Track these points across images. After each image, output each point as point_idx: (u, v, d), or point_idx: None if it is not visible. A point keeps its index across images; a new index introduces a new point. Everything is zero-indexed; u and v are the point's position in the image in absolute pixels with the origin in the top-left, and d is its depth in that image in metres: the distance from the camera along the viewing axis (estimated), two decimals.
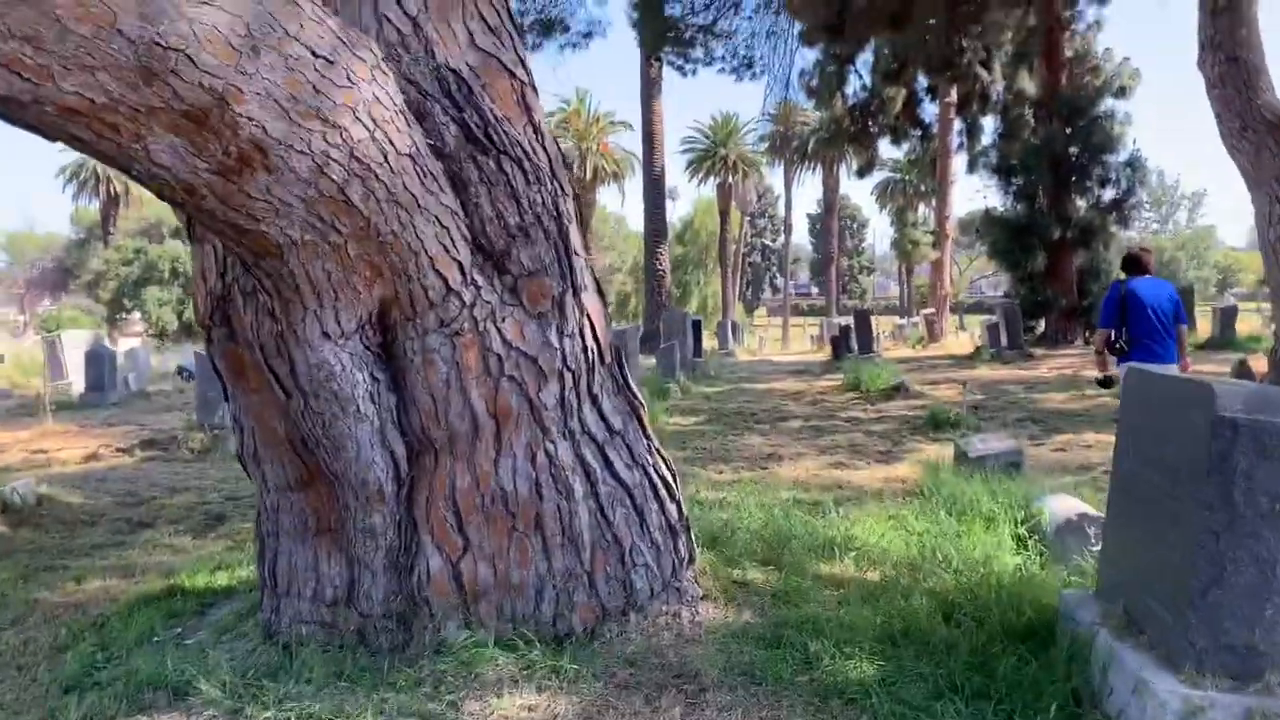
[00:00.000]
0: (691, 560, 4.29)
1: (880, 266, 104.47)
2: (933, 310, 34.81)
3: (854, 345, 22.72)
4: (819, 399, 14.59)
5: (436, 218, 3.43)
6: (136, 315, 52.56)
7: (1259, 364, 12.25)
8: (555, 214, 3.80)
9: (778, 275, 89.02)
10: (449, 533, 3.79)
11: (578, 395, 3.89)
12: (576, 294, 3.88)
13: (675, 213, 65.64)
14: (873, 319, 25.31)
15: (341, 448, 3.66)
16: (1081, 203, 25.66)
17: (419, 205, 3.34)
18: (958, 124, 31.27)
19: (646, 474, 4.08)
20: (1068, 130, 25.09)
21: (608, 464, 3.95)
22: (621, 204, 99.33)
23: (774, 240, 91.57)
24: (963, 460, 6.99)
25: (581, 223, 3.91)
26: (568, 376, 3.83)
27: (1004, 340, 22.40)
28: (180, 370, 23.29)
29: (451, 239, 3.51)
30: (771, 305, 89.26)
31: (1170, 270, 69.29)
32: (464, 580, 3.81)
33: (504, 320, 3.69)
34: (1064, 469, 8.01)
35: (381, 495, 3.77)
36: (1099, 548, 4.86)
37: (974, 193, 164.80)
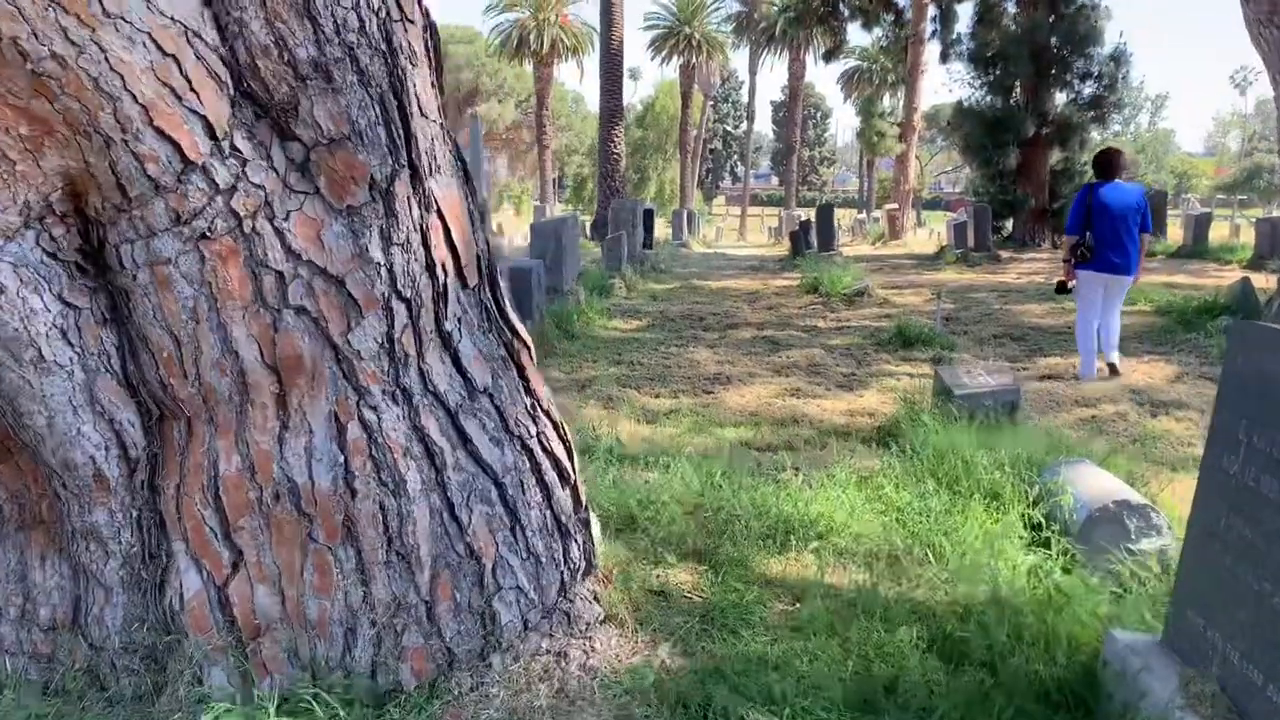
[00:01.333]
0: (589, 569, 3.01)
1: (841, 158, 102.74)
2: (895, 206, 33.49)
3: (813, 241, 21.39)
4: (775, 302, 13.31)
5: (151, 37, 2.00)
6: None
7: (1263, 281, 11.14)
8: (383, 48, 2.37)
9: (738, 163, 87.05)
10: (209, 541, 2.47)
11: (417, 337, 2.53)
12: (418, 179, 2.48)
13: (636, 94, 63.14)
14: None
15: (24, 412, 2.29)
16: (1061, 97, 24.25)
17: (106, 11, 1.91)
18: (932, 10, 29.46)
19: (527, 450, 2.76)
20: (1051, 19, 23.51)
21: (464, 439, 2.62)
22: (580, 80, 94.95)
23: (736, 127, 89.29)
24: (946, 397, 5.77)
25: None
26: (399, 308, 2.46)
27: (971, 241, 21.22)
28: None
29: (185, 75, 2.08)
30: (731, 194, 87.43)
31: (1129, 173, 68.28)
32: (234, 609, 2.50)
33: (288, 217, 2.29)
34: (1058, 405, 6.84)
35: (103, 482, 2.42)
36: (1141, 546, 3.69)
37: (940, 85, 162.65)
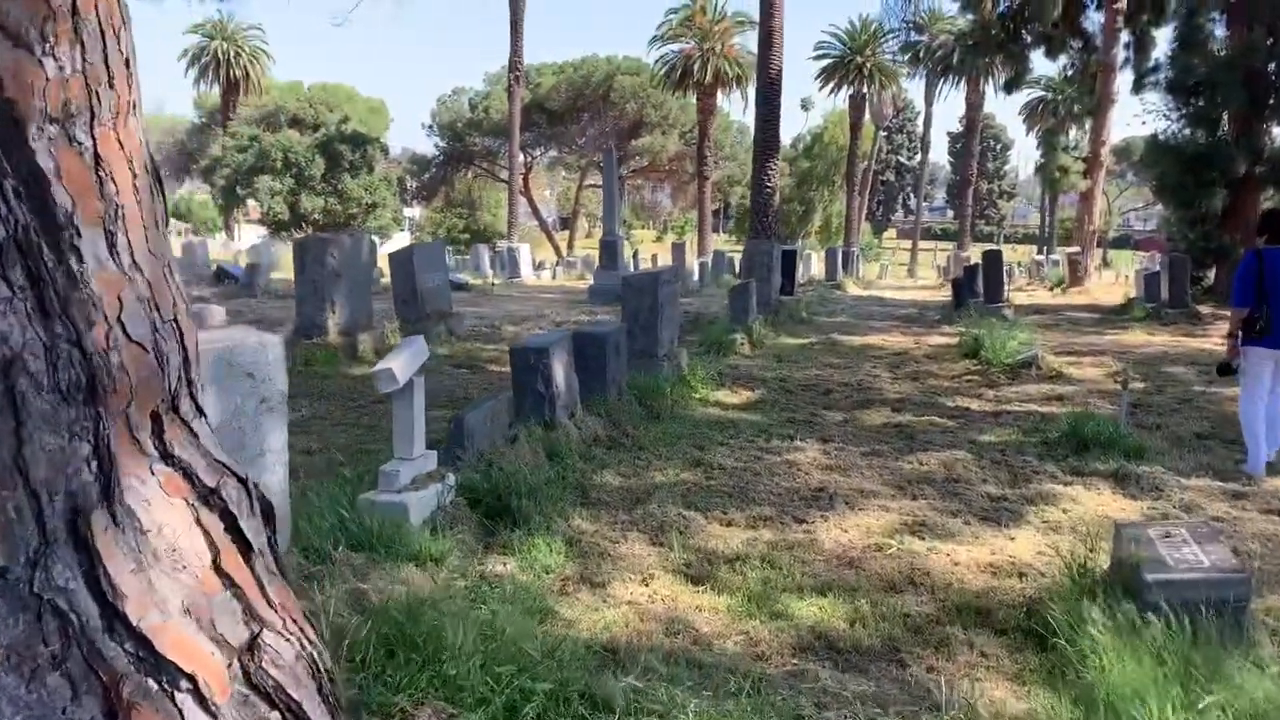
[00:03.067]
0: None
1: (1022, 191, 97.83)
2: (1077, 249, 30.40)
3: (979, 290, 19.05)
4: (924, 369, 11.36)
5: None
6: (251, 203, 52.31)
7: None
8: None
9: (911, 195, 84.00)
10: None
11: None
12: None
13: (807, 124, 61.40)
14: (1006, 254, 21.43)
15: None
16: (1278, 131, 21.13)
17: None
18: (1125, 36, 26.68)
19: None
20: (1270, 41, 20.48)
21: None
22: (744, 111, 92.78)
23: (910, 158, 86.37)
24: (1130, 587, 3.88)
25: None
26: None
27: (1164, 294, 18.45)
28: (220, 272, 21.13)
29: None
30: (902, 227, 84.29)
31: None
32: None
33: None
34: None
35: None
36: None
37: (1131, 117, 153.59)
